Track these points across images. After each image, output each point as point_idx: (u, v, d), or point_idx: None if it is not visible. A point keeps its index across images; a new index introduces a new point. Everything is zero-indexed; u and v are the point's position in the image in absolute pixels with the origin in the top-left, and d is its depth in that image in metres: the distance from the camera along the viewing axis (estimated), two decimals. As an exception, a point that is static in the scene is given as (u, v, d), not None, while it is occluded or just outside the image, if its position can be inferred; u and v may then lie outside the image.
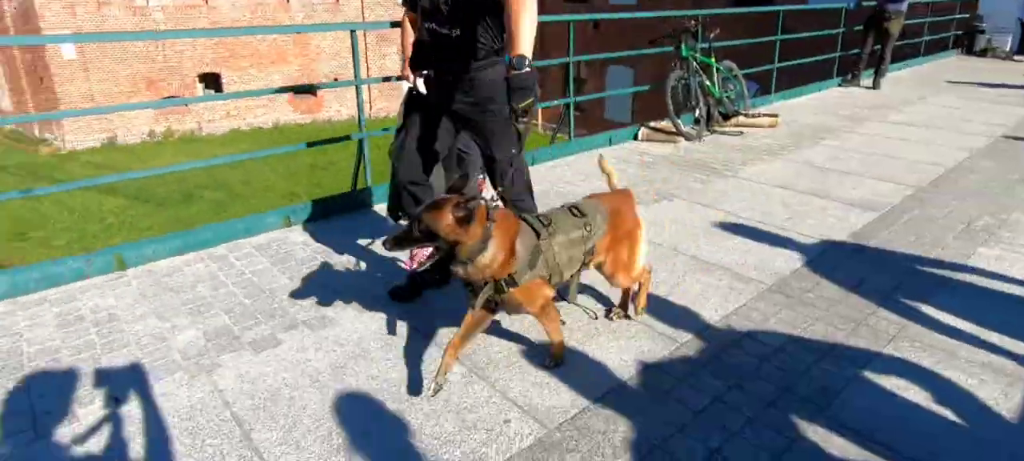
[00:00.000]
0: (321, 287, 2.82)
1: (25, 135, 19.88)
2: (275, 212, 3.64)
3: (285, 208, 3.70)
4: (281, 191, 15.11)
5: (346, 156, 17.31)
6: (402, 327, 2.48)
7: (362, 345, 2.36)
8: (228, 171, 15.95)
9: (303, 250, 3.28)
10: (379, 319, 2.55)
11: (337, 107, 24.76)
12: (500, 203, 2.44)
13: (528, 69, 1.97)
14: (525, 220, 2.06)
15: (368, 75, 23.84)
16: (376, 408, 2.01)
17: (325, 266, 3.07)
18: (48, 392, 2.11)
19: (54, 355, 2.33)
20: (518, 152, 2.37)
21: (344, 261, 3.13)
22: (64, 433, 1.91)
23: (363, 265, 3.07)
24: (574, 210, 2.15)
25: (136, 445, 1.85)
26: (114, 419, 1.97)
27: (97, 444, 1.86)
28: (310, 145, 4.22)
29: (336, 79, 24.06)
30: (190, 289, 2.86)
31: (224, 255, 3.23)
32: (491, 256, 1.90)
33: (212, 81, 22.20)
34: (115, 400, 2.05)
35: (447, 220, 1.82)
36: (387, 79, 4.33)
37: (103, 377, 2.19)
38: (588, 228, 2.11)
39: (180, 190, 14.54)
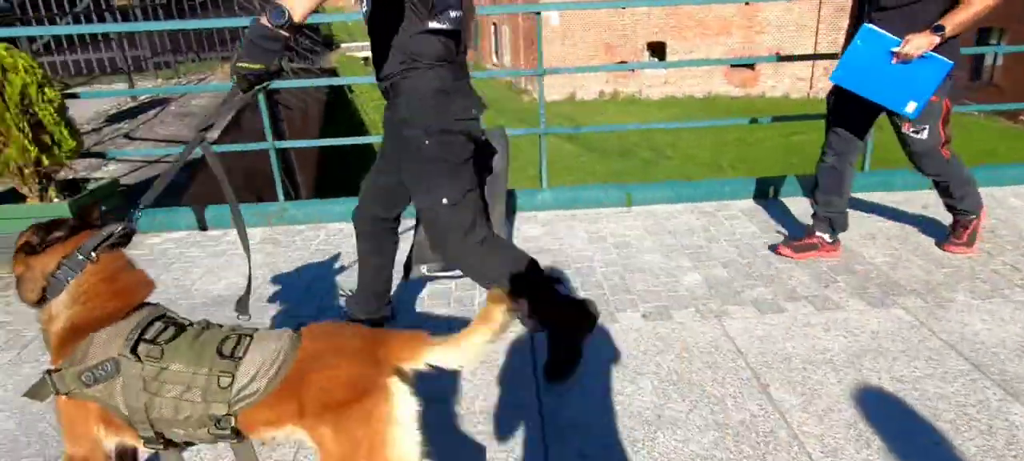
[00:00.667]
0: (813, 265, 2.70)
1: (515, 87, 25.35)
2: (761, 179, 3.64)
3: (770, 178, 3.66)
4: (705, 160, 15.41)
5: (774, 135, 16.41)
6: (921, 332, 2.17)
7: (877, 340, 2.16)
8: (660, 134, 17.10)
9: (791, 224, 3.20)
10: (893, 317, 2.29)
11: (772, 83, 23.52)
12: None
13: (277, 26, 1.33)
14: (173, 316, 1.28)
15: (816, 49, 21.81)
16: (900, 411, 1.82)
17: (818, 245, 2.92)
18: (589, 292, 2.61)
19: (589, 263, 2.87)
20: (456, 196, 1.74)
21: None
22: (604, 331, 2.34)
23: (864, 253, 2.80)
24: (239, 337, 1.24)
25: (668, 357, 2.12)
26: (639, 328, 2.30)
27: (627, 343, 2.21)
28: (776, 119, 4.05)
29: (777, 53, 22.79)
30: (687, 235, 3.11)
31: (712, 212, 3.40)
32: (48, 315, 1.23)
33: (658, 50, 23.82)
34: (644, 317, 2.40)
35: (19, 242, 1.25)
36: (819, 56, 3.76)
37: (625, 289, 2.59)
38: (224, 378, 1.18)
39: (619, 145, 16.36)
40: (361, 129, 19.04)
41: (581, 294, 2.58)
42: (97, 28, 5.74)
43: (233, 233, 3.39)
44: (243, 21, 6.19)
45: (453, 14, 1.70)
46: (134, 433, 1.23)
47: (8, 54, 2.99)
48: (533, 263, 1.90)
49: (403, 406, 1.15)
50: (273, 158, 3.54)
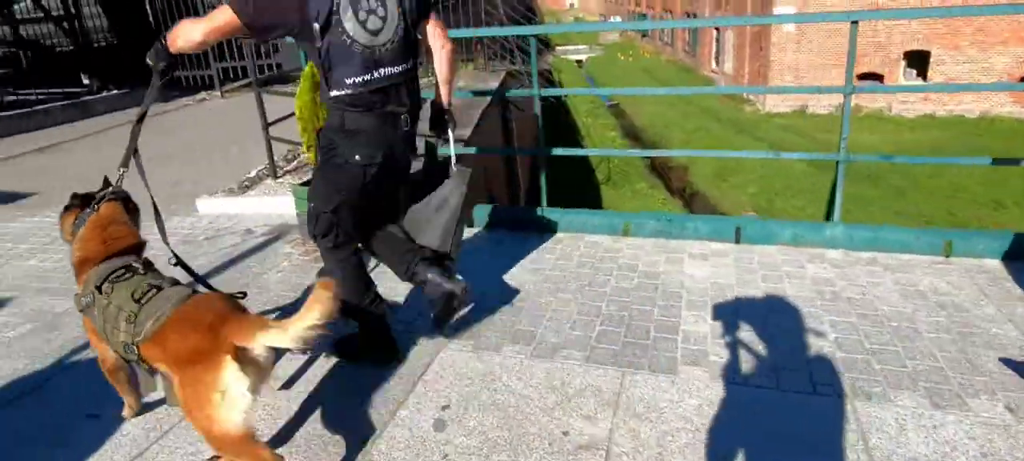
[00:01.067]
0: None
1: (736, 94, 23.70)
2: None
3: None
4: (978, 195, 12.74)
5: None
6: None
7: None
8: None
9: None
10: None
11: (1081, 104, 18.71)
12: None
13: (161, 45, 1.94)
14: (136, 266, 1.74)
15: None
16: None
17: None
18: (918, 363, 2.15)
19: (910, 323, 2.39)
20: (321, 208, 2.11)
21: None
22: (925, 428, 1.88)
23: None
24: (149, 288, 1.63)
25: (1055, 477, 1.63)
26: (1006, 425, 1.81)
27: (993, 442, 1.74)
28: None
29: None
30: (1047, 307, 2.44)
31: (1079, 278, 2.64)
32: (72, 252, 1.81)
33: (917, 60, 20.42)
34: (1010, 410, 1.89)
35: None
36: None
37: (971, 367, 2.08)
38: (132, 319, 1.59)
39: (865, 169, 14.29)
40: (574, 131, 19.38)
41: (907, 364, 2.14)
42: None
43: (502, 235, 3.50)
44: (490, 31, 6.50)
45: (352, 80, 1.94)
46: (109, 345, 1.71)
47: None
48: (370, 293, 2.25)
49: (228, 378, 1.44)
50: (544, 167, 3.59)
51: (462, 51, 10.29)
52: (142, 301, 1.59)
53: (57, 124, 7.53)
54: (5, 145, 6.78)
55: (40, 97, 8.35)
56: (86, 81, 8.54)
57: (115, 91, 8.64)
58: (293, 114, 5.00)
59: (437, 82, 2.26)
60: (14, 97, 8.07)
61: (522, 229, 3.54)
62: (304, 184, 3.66)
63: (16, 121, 7.18)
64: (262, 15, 1.84)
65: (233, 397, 1.45)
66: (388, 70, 1.97)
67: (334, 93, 1.94)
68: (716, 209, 14.29)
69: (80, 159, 6.14)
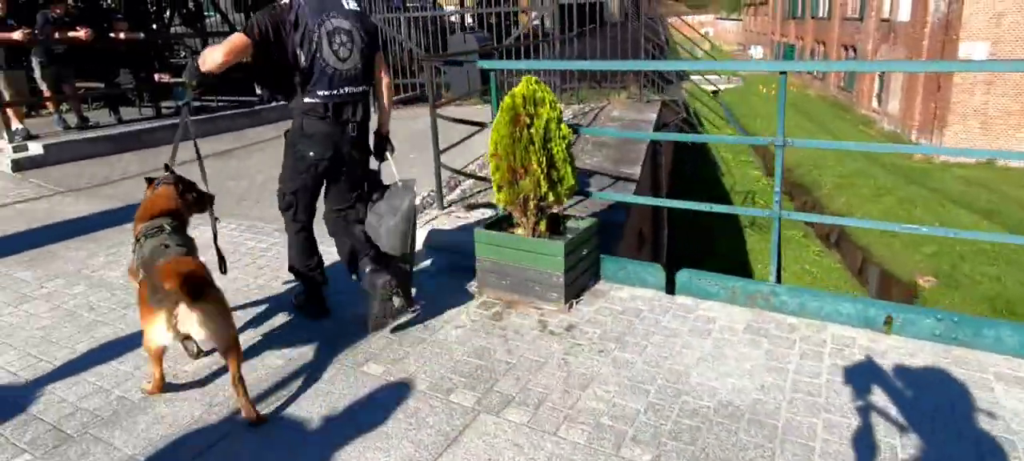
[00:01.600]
0: None
1: (902, 137, 21.10)
2: None
3: None
4: None
5: None
6: None
7: None
8: None
9: None
10: None
11: None
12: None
13: (194, 65, 2.49)
14: (164, 225, 2.42)
15: None
16: None
17: None
18: None
19: None
20: (285, 186, 2.74)
21: None
22: None
23: None
24: (160, 245, 2.31)
25: None
26: None
27: None
28: None
29: None
30: None
31: None
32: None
33: None
34: None
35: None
36: None
37: None
38: (140, 260, 2.33)
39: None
40: (714, 167, 18.22)
41: None
42: (544, 65, 6.21)
43: (713, 310, 2.90)
44: (646, 64, 5.84)
45: (322, 93, 2.59)
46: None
47: (540, 88, 3.02)
48: (312, 261, 2.88)
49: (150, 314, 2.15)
50: (776, 230, 2.96)
51: (617, 79, 9.81)
52: (155, 252, 2.26)
53: (231, 130, 7.98)
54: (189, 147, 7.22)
55: (219, 104, 8.94)
56: (259, 92, 9.03)
57: (282, 102, 9.06)
58: (462, 140, 4.79)
59: (379, 111, 2.84)
60: (198, 103, 8.68)
61: (738, 303, 2.92)
62: (491, 225, 3.26)
63: (199, 125, 7.64)
64: (266, 37, 2.46)
65: (161, 325, 2.08)
66: (349, 89, 2.62)
67: (307, 100, 2.58)
68: (879, 268, 12.56)
69: (251, 165, 6.33)
